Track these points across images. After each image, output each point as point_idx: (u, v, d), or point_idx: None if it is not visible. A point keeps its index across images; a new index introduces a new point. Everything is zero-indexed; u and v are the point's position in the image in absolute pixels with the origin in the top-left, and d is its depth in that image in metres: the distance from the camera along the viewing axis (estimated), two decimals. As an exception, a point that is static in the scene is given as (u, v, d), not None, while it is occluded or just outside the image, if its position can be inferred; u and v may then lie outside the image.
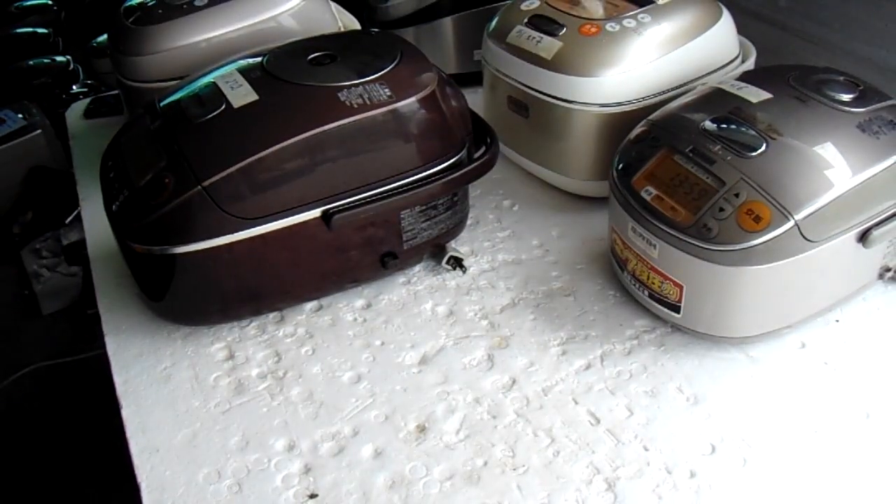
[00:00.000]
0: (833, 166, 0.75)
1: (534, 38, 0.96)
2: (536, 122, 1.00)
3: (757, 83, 0.84)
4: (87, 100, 1.36)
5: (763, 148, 0.76)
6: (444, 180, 0.86)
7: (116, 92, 1.27)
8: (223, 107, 0.81)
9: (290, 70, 0.85)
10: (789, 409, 0.77)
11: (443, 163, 0.86)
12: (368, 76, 0.84)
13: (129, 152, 0.85)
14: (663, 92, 0.94)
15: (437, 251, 0.94)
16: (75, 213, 1.03)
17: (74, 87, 2.65)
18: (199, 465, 0.74)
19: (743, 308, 0.79)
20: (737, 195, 0.74)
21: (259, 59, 0.88)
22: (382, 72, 0.85)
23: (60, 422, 1.59)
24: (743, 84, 0.84)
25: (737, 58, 1.00)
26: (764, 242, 0.73)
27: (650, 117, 0.86)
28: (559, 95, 0.95)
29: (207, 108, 0.81)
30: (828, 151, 0.76)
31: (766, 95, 0.82)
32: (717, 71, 0.98)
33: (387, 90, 0.83)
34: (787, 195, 0.74)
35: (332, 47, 0.89)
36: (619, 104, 0.93)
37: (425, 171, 0.85)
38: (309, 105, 0.82)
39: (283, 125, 0.80)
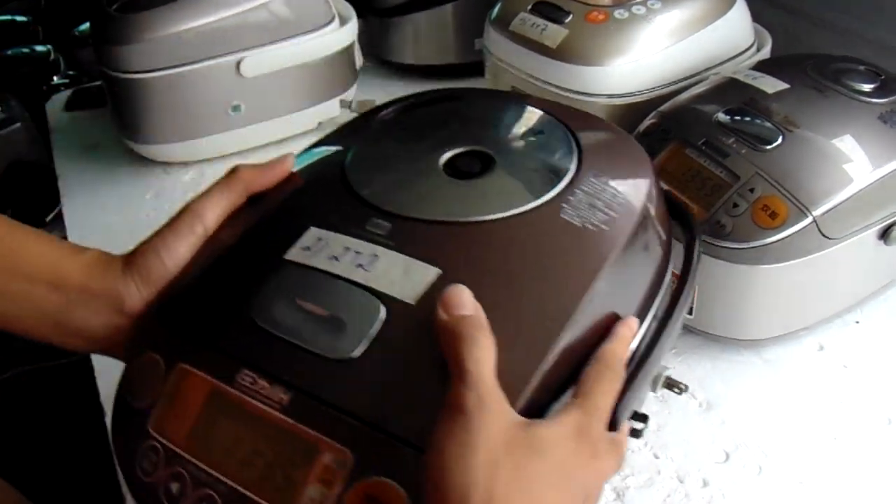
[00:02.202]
0: (852, 160, 0.75)
1: (538, 25, 0.96)
2: (541, 113, 0.99)
3: (773, 73, 0.83)
4: (69, 91, 1.35)
5: (779, 141, 0.76)
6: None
7: (99, 83, 1.26)
8: (382, 314, 0.48)
9: (437, 198, 0.56)
10: (807, 415, 0.76)
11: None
12: (577, 172, 0.57)
13: None
14: (674, 82, 0.94)
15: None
16: (56, 210, 1.03)
17: (55, 78, 2.64)
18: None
19: (758, 309, 0.79)
20: (752, 190, 0.74)
21: (359, 191, 0.56)
22: (587, 161, 0.59)
23: (44, 428, 1.59)
24: (758, 74, 0.84)
25: (752, 46, 1.00)
26: (780, 240, 0.73)
27: (660, 109, 0.86)
28: (565, 86, 0.94)
29: (353, 329, 0.48)
30: (847, 144, 0.75)
31: (782, 86, 0.81)
32: (731, 60, 0.97)
33: (614, 186, 0.57)
34: (804, 190, 0.73)
35: (453, 137, 0.61)
36: (628, 95, 0.93)
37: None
38: (546, 253, 0.52)
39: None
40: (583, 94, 0.93)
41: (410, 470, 0.43)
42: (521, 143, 0.62)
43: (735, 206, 0.74)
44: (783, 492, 0.70)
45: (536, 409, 0.46)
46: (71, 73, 2.66)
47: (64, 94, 1.35)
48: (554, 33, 0.94)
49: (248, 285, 0.52)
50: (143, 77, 1.04)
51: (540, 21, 0.96)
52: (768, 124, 0.78)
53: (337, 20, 1.14)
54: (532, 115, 0.65)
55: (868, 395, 0.78)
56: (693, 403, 0.78)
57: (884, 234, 0.77)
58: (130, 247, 1.02)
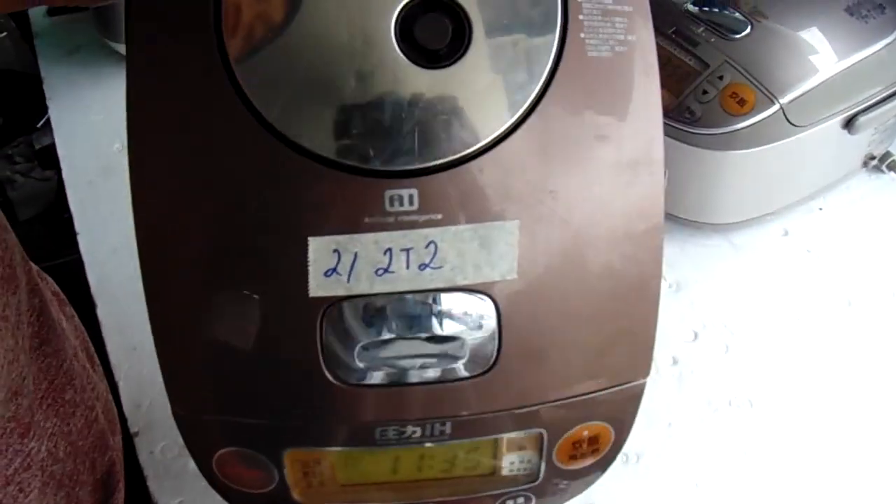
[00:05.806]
0: (818, 51, 0.76)
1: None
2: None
3: (743, -37, 0.84)
4: (51, -4, 1.33)
5: (748, 30, 0.77)
6: None
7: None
8: (492, 309, 0.38)
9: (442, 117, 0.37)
10: (772, 297, 0.80)
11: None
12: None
13: None
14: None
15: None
16: (46, 116, 1.04)
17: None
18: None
19: (726, 194, 0.81)
20: (721, 77, 0.76)
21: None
22: None
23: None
24: (729, -36, 0.85)
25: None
26: (748, 126, 0.74)
27: (631, -1, 0.86)
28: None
29: (476, 340, 0.39)
30: (813, 35, 0.77)
31: (751, -24, 0.82)
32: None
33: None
34: (771, 78, 0.75)
35: None
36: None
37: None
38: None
39: None
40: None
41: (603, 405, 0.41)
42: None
43: (704, 92, 0.76)
44: (748, 368, 0.74)
45: None
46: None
47: (46, 0, 1.33)
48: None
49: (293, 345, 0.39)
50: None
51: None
52: (737, 14, 0.79)
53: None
54: None
55: (829, 279, 0.81)
56: (663, 285, 0.79)
57: (847, 124, 0.79)
58: (116, 145, 1.03)
